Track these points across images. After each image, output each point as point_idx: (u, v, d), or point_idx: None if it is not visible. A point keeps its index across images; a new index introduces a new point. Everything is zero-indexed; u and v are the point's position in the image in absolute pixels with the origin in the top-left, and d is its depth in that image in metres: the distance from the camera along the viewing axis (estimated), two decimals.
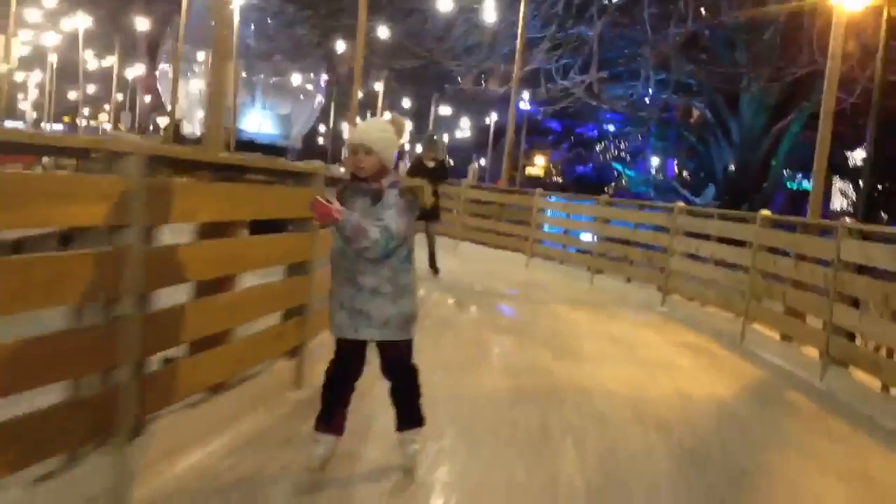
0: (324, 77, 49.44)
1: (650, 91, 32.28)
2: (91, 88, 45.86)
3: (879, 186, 32.81)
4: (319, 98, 50.43)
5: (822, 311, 7.07)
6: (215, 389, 4.03)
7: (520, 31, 21.48)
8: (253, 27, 36.16)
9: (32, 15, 39.93)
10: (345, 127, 49.77)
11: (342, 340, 3.64)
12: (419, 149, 24.28)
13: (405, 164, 21.08)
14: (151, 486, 3.23)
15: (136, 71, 46.06)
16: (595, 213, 13.48)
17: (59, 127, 49.03)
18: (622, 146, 45.38)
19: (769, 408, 6.03)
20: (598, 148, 46.97)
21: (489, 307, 9.66)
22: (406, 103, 45.54)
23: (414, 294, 3.63)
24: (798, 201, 32.37)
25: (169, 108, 38.90)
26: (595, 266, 12.64)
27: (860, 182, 21.53)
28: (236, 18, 30.21)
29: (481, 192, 17.67)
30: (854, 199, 34.97)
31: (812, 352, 7.32)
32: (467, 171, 27.90)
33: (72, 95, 54.88)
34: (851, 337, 6.91)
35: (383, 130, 3.54)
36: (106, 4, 41.18)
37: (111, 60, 44.86)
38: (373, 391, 4.11)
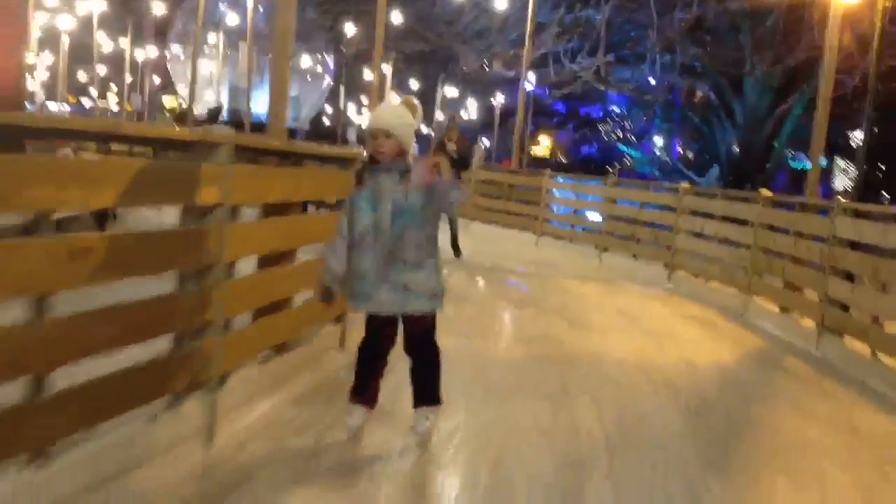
0: (331, 59, 49.69)
1: (657, 73, 32.62)
2: (101, 70, 46.26)
3: (883, 167, 33.17)
4: (328, 80, 50.74)
5: (818, 285, 7.54)
6: (278, 349, 4.59)
7: (530, 14, 21.82)
8: (262, 10, 36.45)
9: None
10: (350, 107, 50.18)
11: (376, 317, 3.74)
12: (424, 129, 24.57)
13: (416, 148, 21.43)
14: (234, 428, 3.78)
15: (147, 53, 46.43)
16: (603, 194, 13.91)
17: (66, 108, 49.37)
18: (627, 126, 45.55)
19: (769, 372, 6.47)
20: (602, 129, 47.09)
21: (502, 283, 10.03)
22: (414, 85, 45.80)
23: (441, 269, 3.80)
24: (801, 181, 32.66)
25: (183, 89, 39.36)
26: (603, 244, 13.03)
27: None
28: (250, 3, 30.59)
29: (492, 173, 18.16)
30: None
31: (809, 322, 7.79)
32: (473, 152, 28.23)
33: (81, 77, 55.37)
34: (845, 308, 7.35)
35: (401, 115, 3.64)
36: None
37: (123, 43, 45.24)
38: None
